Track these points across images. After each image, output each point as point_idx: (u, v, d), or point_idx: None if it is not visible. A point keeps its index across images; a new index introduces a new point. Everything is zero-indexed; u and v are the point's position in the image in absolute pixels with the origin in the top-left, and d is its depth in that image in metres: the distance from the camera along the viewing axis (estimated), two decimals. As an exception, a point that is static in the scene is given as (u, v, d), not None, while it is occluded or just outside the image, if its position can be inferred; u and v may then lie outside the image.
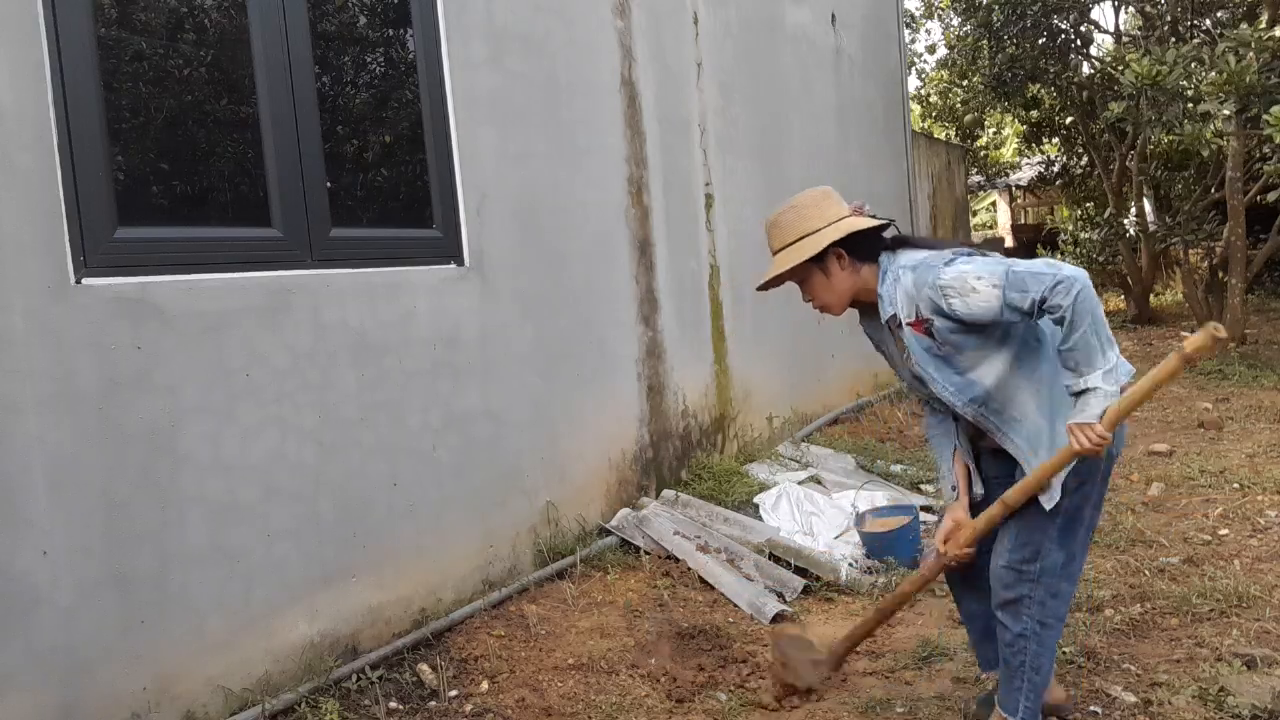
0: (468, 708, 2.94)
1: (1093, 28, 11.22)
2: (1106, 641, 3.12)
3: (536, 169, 4.10)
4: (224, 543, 2.81)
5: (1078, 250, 10.84)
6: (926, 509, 4.63)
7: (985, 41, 11.04)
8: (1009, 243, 18.09)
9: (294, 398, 3.02)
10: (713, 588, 3.81)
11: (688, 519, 4.37)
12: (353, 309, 3.24)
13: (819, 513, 4.57)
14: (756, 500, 4.71)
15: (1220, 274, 9.80)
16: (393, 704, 2.96)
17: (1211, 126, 7.28)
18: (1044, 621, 2.31)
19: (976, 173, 17.60)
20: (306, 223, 3.13)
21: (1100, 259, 10.76)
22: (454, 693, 3.03)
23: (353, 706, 2.93)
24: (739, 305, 5.62)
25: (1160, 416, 6.54)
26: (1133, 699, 2.74)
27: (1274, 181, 7.58)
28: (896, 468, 5.43)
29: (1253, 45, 6.99)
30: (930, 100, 17.06)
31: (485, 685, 3.07)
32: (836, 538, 4.38)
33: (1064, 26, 10.71)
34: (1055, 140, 14.19)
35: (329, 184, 3.22)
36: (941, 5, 15.81)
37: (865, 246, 2.38)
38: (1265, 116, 6.50)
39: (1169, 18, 9.96)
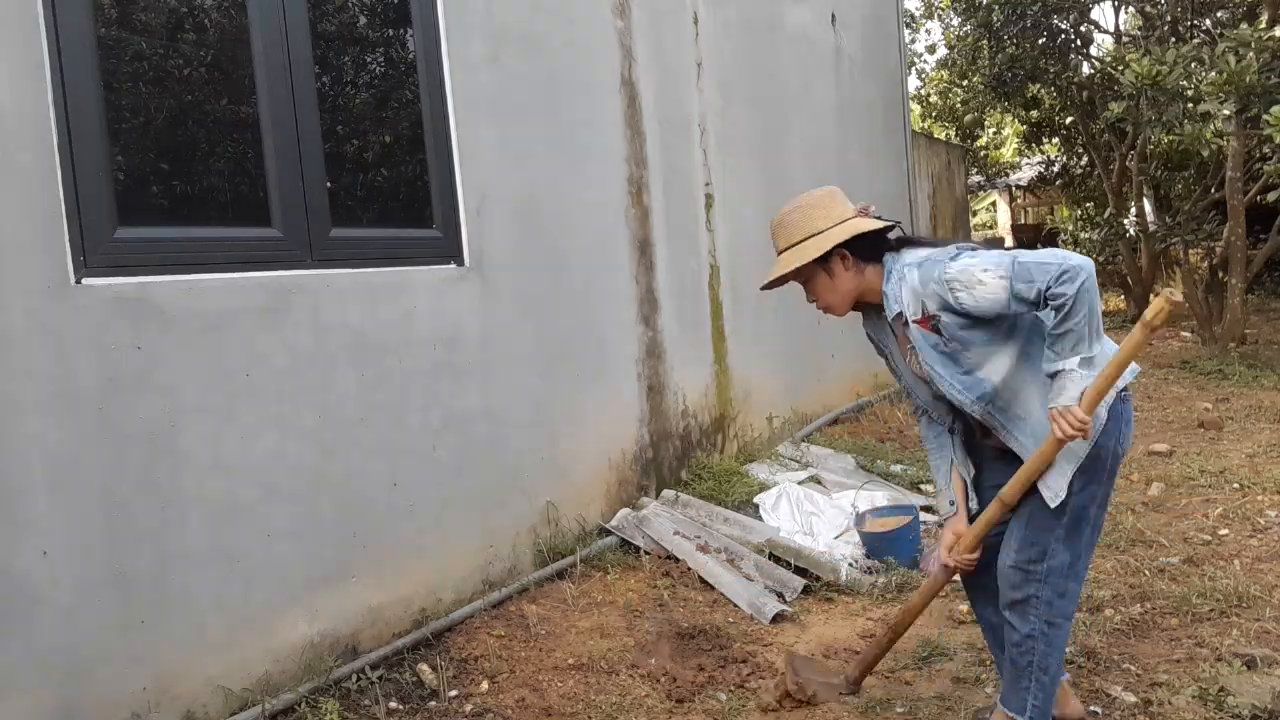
0: (468, 708, 2.94)
1: (1093, 28, 11.23)
2: (1106, 641, 3.12)
3: (536, 169, 4.10)
4: (224, 543, 2.81)
5: (1077, 250, 10.84)
6: (926, 509, 4.63)
7: (985, 41, 11.04)
8: (1009, 243, 18.09)
9: (294, 398, 3.03)
10: (713, 588, 3.81)
11: (688, 519, 4.37)
12: (353, 309, 3.24)
13: (819, 513, 4.57)
14: (756, 500, 4.71)
15: (1220, 274, 9.80)
16: (393, 704, 2.96)
17: (1211, 126, 7.28)
18: (1052, 621, 2.31)
19: (976, 173, 17.60)
20: (306, 223, 3.13)
21: (1100, 259, 10.76)
22: (454, 693, 3.03)
23: (353, 706, 2.93)
24: (739, 305, 5.62)
25: (1160, 416, 6.54)
26: (1133, 699, 2.74)
27: (1274, 181, 7.58)
28: (896, 468, 5.43)
29: (1253, 45, 6.99)
30: (930, 100, 17.06)
31: (485, 685, 3.07)
32: (836, 538, 4.38)
33: (1064, 26, 10.71)
34: (1055, 140, 14.20)
35: (329, 184, 3.22)
36: (941, 5, 15.81)
37: (870, 247, 2.37)
38: (1265, 116, 6.50)
39: (1169, 18, 9.96)
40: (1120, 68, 8.37)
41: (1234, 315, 8.80)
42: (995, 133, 19.32)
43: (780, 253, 2.44)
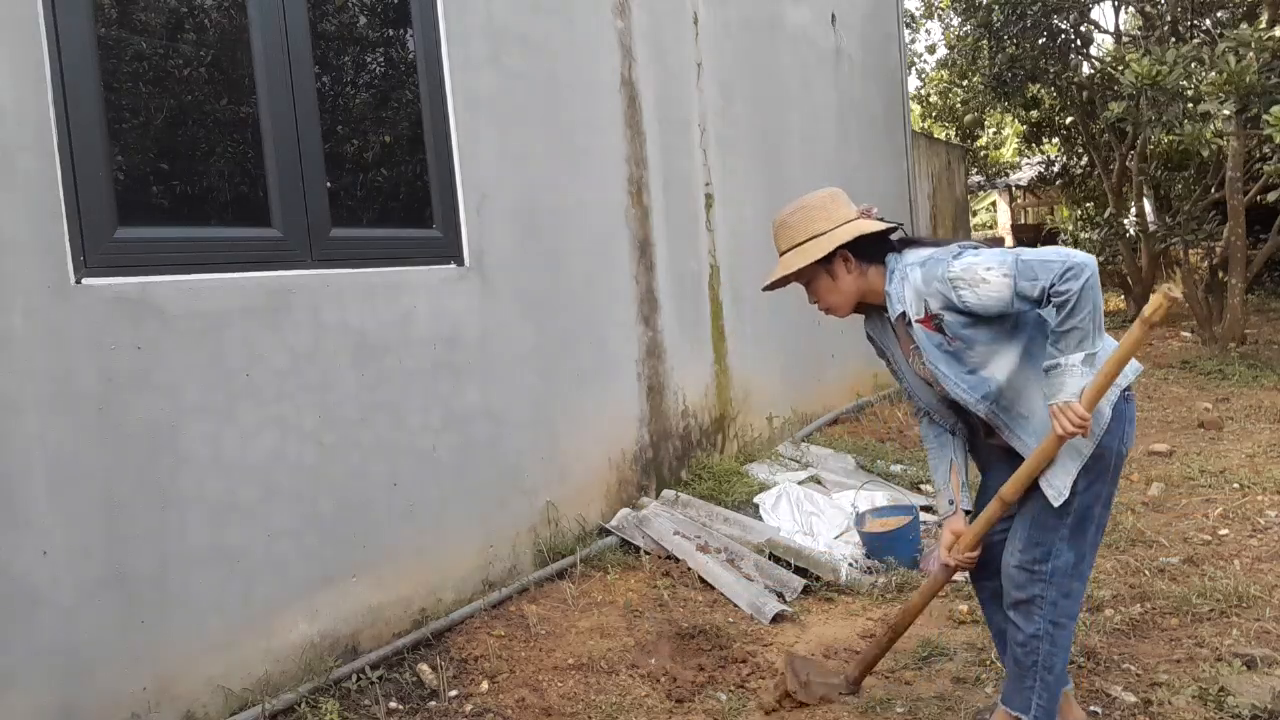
0: (468, 708, 2.94)
1: (1093, 28, 11.22)
2: (1106, 641, 3.12)
3: (536, 169, 4.10)
4: (224, 543, 2.81)
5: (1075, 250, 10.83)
6: (926, 509, 4.63)
7: (985, 41, 11.04)
8: (1009, 243, 18.09)
9: (294, 398, 3.03)
10: (713, 588, 3.81)
11: (688, 519, 4.37)
12: (353, 309, 3.24)
13: (819, 513, 4.57)
14: (756, 500, 4.71)
15: (1220, 274, 9.80)
16: (393, 704, 2.96)
17: (1211, 126, 7.28)
18: (1057, 621, 2.31)
19: (976, 173, 17.59)
20: (306, 223, 3.13)
21: (1100, 259, 10.75)
22: (454, 693, 3.03)
23: (353, 706, 2.93)
24: (739, 305, 5.62)
25: (1160, 416, 6.54)
26: (1133, 699, 2.74)
27: (1274, 181, 7.58)
28: (896, 468, 5.43)
29: (1253, 45, 6.99)
30: (930, 100, 17.06)
31: (485, 685, 3.07)
32: (836, 538, 4.38)
33: (1064, 26, 10.70)
34: (1055, 140, 14.20)
35: (329, 184, 3.22)
36: (941, 5, 15.81)
37: (872, 248, 2.37)
38: (1265, 116, 6.50)
39: (1169, 18, 9.96)
40: (1120, 68, 8.37)
41: (1234, 315, 8.80)
42: (995, 133, 19.32)
43: (782, 254, 2.44)
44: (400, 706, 2.96)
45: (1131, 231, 11.13)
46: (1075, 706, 2.58)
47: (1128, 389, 2.29)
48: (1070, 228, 11.01)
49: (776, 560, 4.00)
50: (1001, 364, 2.25)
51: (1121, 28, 11.67)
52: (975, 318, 2.20)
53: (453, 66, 3.68)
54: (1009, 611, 2.37)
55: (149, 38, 2.79)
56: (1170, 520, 4.31)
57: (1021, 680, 2.38)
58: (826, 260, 2.35)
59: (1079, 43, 11.03)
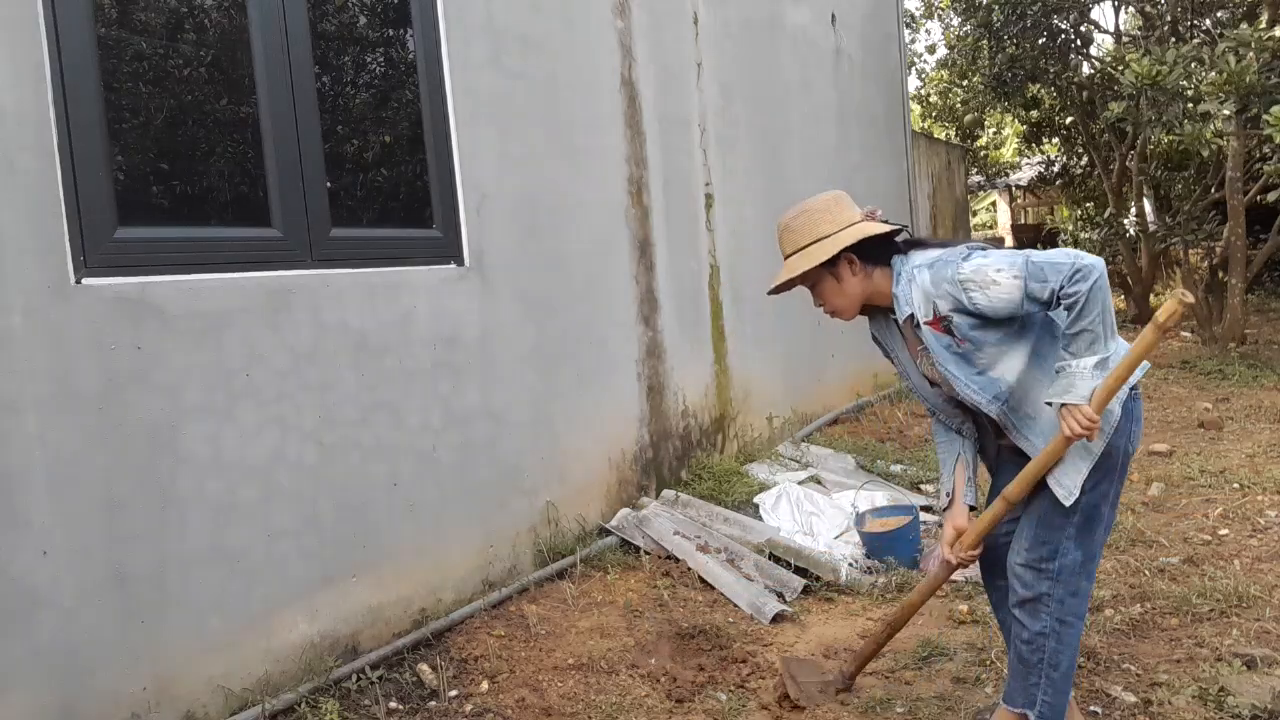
0: (468, 708, 2.94)
1: (1093, 28, 11.22)
2: (1106, 641, 3.12)
3: (536, 169, 4.10)
4: (224, 543, 2.81)
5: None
6: (926, 509, 4.63)
7: (985, 41, 11.04)
8: (1009, 243, 18.08)
9: (294, 398, 3.03)
10: (713, 588, 3.81)
11: (688, 519, 4.37)
12: (353, 309, 3.24)
13: (819, 513, 4.57)
14: (756, 500, 4.71)
15: (1220, 274, 9.80)
16: (393, 704, 2.96)
17: (1211, 126, 7.28)
18: (1063, 619, 2.30)
19: (976, 173, 17.59)
20: (306, 223, 3.13)
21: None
22: (454, 693, 3.03)
23: (353, 706, 2.93)
24: (739, 305, 5.62)
25: (1160, 416, 6.54)
26: (1133, 699, 2.74)
27: (1274, 181, 7.58)
28: (896, 468, 5.43)
29: (1253, 45, 7.00)
30: (930, 100, 17.06)
31: (485, 685, 3.07)
32: (836, 538, 4.38)
33: (1064, 26, 10.70)
34: (1055, 140, 14.19)
35: (329, 184, 3.22)
36: (941, 5, 15.81)
37: (877, 251, 2.37)
38: (1265, 116, 6.50)
39: (1169, 18, 9.96)
40: (1120, 68, 8.37)
41: (1234, 315, 8.80)
42: (995, 133, 19.31)
43: (787, 257, 2.43)
44: (400, 706, 2.96)
45: (1131, 231, 11.13)
46: (1076, 711, 2.58)
47: (1135, 387, 2.29)
48: (1070, 228, 11.01)
49: (776, 560, 4.00)
50: (1010, 365, 2.25)
51: (1121, 28, 11.67)
52: (984, 319, 2.20)
53: (453, 66, 3.68)
54: (1014, 610, 2.37)
55: (149, 38, 2.79)
56: (1170, 520, 4.31)
57: (1026, 678, 2.38)
58: (831, 263, 2.35)
59: (1079, 43, 11.03)
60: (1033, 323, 2.26)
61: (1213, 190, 9.92)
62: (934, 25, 25.11)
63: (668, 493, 4.66)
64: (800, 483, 4.99)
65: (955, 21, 13.24)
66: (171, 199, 2.83)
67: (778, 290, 2.48)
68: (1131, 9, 11.46)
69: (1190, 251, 10.34)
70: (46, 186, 2.46)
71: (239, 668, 2.83)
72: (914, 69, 17.85)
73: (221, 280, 2.85)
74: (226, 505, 2.82)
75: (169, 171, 2.82)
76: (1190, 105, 7.37)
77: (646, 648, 3.30)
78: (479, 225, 3.77)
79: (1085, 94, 11.49)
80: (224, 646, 2.80)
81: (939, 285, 2.22)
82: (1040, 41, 10.69)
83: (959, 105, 15.54)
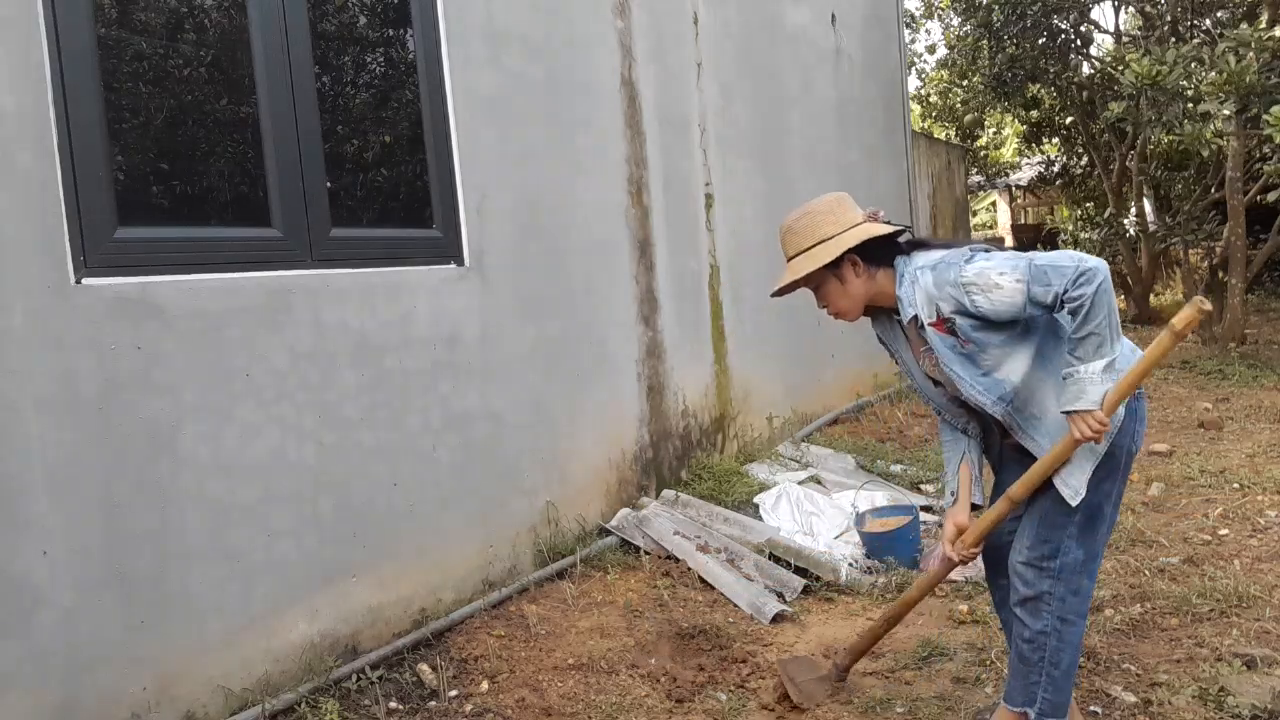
0: (468, 708, 2.94)
1: (1093, 28, 11.22)
2: (1106, 641, 3.12)
3: (536, 169, 4.10)
4: (224, 543, 2.81)
5: (1078, 251, 10.83)
6: (926, 509, 4.63)
7: (985, 41, 11.04)
8: (1009, 243, 18.07)
9: (294, 398, 3.03)
10: (713, 588, 3.81)
11: (688, 519, 4.37)
12: (353, 309, 3.24)
13: (819, 513, 4.57)
14: (756, 500, 4.71)
15: (1220, 274, 9.80)
16: (393, 704, 2.96)
17: (1211, 126, 7.28)
18: (1064, 618, 2.31)
19: (976, 173, 17.58)
20: (306, 223, 3.13)
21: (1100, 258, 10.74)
22: (454, 693, 3.03)
23: (353, 706, 2.93)
24: (739, 305, 5.62)
25: (1160, 416, 6.54)
26: (1133, 699, 2.74)
27: (1274, 181, 7.58)
28: (896, 468, 5.43)
29: (1253, 45, 6.99)
30: (930, 100, 17.05)
31: (485, 685, 3.07)
32: (836, 538, 4.38)
33: (1064, 26, 10.70)
34: (1055, 140, 14.19)
35: (329, 184, 3.22)
36: (941, 5, 15.81)
37: (880, 252, 2.37)
38: (1265, 116, 6.50)
39: (1169, 18, 9.96)
40: (1120, 68, 8.37)
41: (1234, 315, 8.80)
42: (995, 133, 19.31)
43: (790, 259, 2.43)
44: (400, 706, 2.96)
45: (1131, 231, 11.13)
46: (1075, 711, 2.58)
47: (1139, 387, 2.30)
48: (1070, 228, 11.01)
49: (776, 560, 4.00)
50: (1015, 366, 2.25)
51: (1121, 28, 11.67)
52: (987, 321, 2.20)
53: (453, 66, 3.68)
54: (1015, 609, 2.37)
55: (149, 38, 2.79)
56: (1170, 520, 4.31)
57: (1026, 676, 2.38)
58: (835, 265, 2.35)
59: (1079, 43, 11.03)
60: (1037, 324, 2.26)
61: (1213, 190, 9.92)
62: (934, 25, 25.12)
63: (668, 493, 4.66)
64: (800, 483, 4.99)
65: (955, 21, 13.24)
66: (171, 199, 2.83)
67: (781, 292, 2.48)
68: (1131, 9, 11.46)
69: (1190, 251, 10.34)
70: (46, 186, 2.46)
71: (239, 668, 2.83)
72: (914, 69, 17.84)
73: (221, 280, 2.85)
74: (226, 505, 2.82)
75: (169, 171, 2.82)
76: (1190, 105, 7.38)
77: (646, 648, 3.30)
78: (479, 225, 3.77)
79: (1085, 94, 11.49)
80: (224, 646, 2.80)
81: (941, 288, 2.22)
82: (1040, 41, 10.69)
83: (959, 105, 15.54)
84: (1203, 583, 3.47)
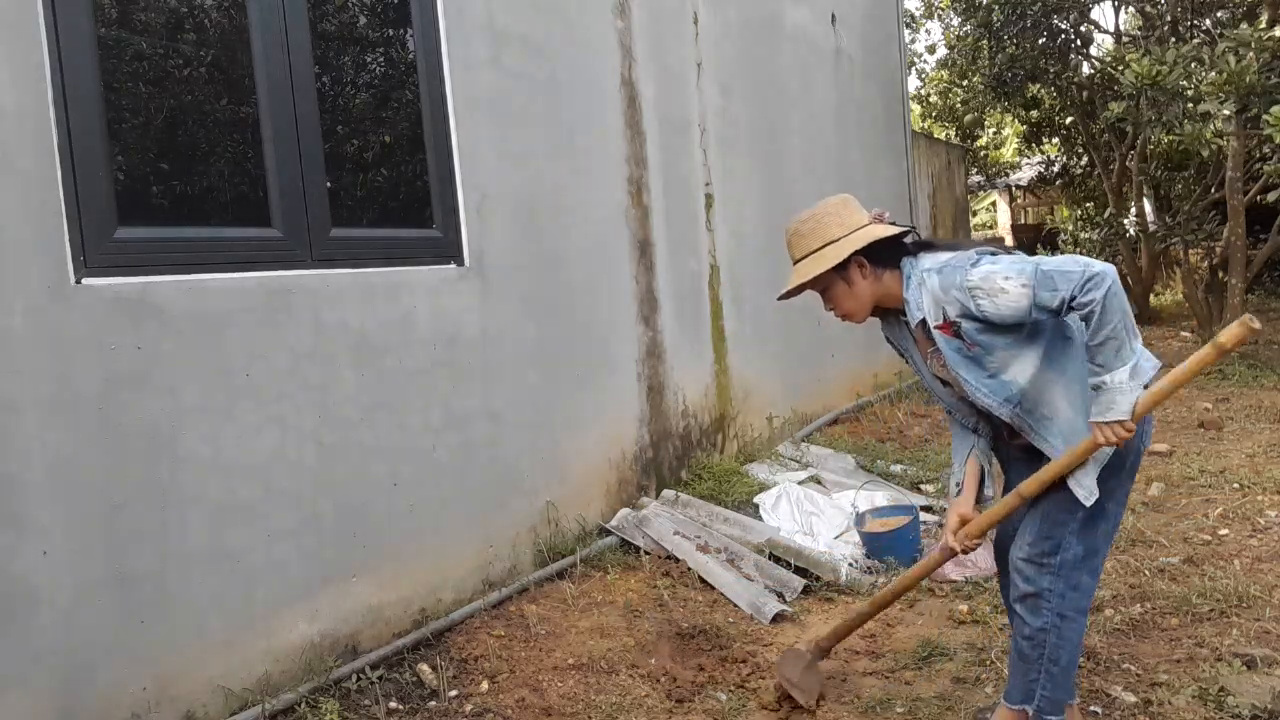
0: (468, 708, 2.94)
1: (1093, 28, 11.22)
2: (1106, 641, 3.12)
3: (536, 169, 4.10)
4: (224, 543, 2.81)
5: (1078, 251, 10.85)
6: (926, 509, 4.63)
7: (985, 41, 11.04)
8: (1009, 242, 18.07)
9: (294, 398, 3.02)
10: (713, 588, 3.81)
11: (688, 519, 4.37)
12: (353, 309, 3.24)
13: (819, 513, 4.57)
14: (756, 500, 4.71)
15: (1220, 274, 9.80)
16: (393, 704, 2.96)
17: (1211, 126, 7.28)
18: (1064, 614, 2.31)
19: (976, 173, 17.58)
20: (306, 223, 3.13)
21: (1100, 259, 10.74)
22: (454, 693, 3.03)
23: (353, 706, 2.93)
24: (739, 305, 5.62)
25: (1160, 416, 6.54)
26: (1133, 699, 2.74)
27: (1274, 181, 7.58)
28: (896, 468, 5.43)
29: (1253, 45, 6.99)
30: (930, 100, 17.05)
31: (485, 685, 3.07)
32: (836, 538, 4.38)
33: (1064, 26, 10.70)
34: (1055, 140, 14.19)
35: (329, 184, 3.22)
36: (941, 5, 15.81)
37: (886, 253, 2.37)
38: (1265, 116, 6.49)
39: (1169, 18, 9.96)
40: (1120, 68, 8.37)
41: (1234, 315, 8.77)
42: (995, 133, 19.30)
43: (796, 262, 2.43)
44: (400, 706, 2.96)
45: (1131, 231, 11.13)
46: (1076, 711, 2.58)
47: (1147, 385, 2.29)
48: (1070, 228, 11.01)
49: (776, 560, 4.00)
50: (1022, 367, 2.25)
51: (1121, 28, 11.67)
52: (993, 324, 2.20)
53: (453, 66, 3.68)
54: (1015, 605, 2.38)
55: (149, 38, 2.79)
56: (1170, 520, 4.31)
57: (1025, 674, 2.38)
58: (842, 267, 2.35)
59: (1079, 43, 11.03)
60: (1043, 326, 2.25)
61: (1213, 190, 9.91)
62: (934, 25, 25.12)
63: (668, 493, 4.66)
64: (800, 483, 4.99)
65: (955, 21, 13.24)
66: (171, 199, 2.83)
67: (788, 295, 2.47)
68: (1131, 9, 11.46)
69: (1190, 251, 10.34)
70: (46, 186, 2.46)
71: (239, 668, 2.83)
72: (914, 69, 17.84)
73: (221, 280, 2.85)
74: (226, 505, 2.82)
75: (169, 171, 2.82)
76: (1190, 105, 7.37)
77: (646, 648, 3.30)
78: (479, 225, 3.77)
79: (1085, 94, 11.49)
80: (224, 646, 2.80)
81: (948, 291, 2.22)
82: (1040, 41, 10.69)
83: (959, 105, 15.54)
84: (1203, 583, 3.47)
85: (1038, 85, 11.83)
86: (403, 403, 3.39)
